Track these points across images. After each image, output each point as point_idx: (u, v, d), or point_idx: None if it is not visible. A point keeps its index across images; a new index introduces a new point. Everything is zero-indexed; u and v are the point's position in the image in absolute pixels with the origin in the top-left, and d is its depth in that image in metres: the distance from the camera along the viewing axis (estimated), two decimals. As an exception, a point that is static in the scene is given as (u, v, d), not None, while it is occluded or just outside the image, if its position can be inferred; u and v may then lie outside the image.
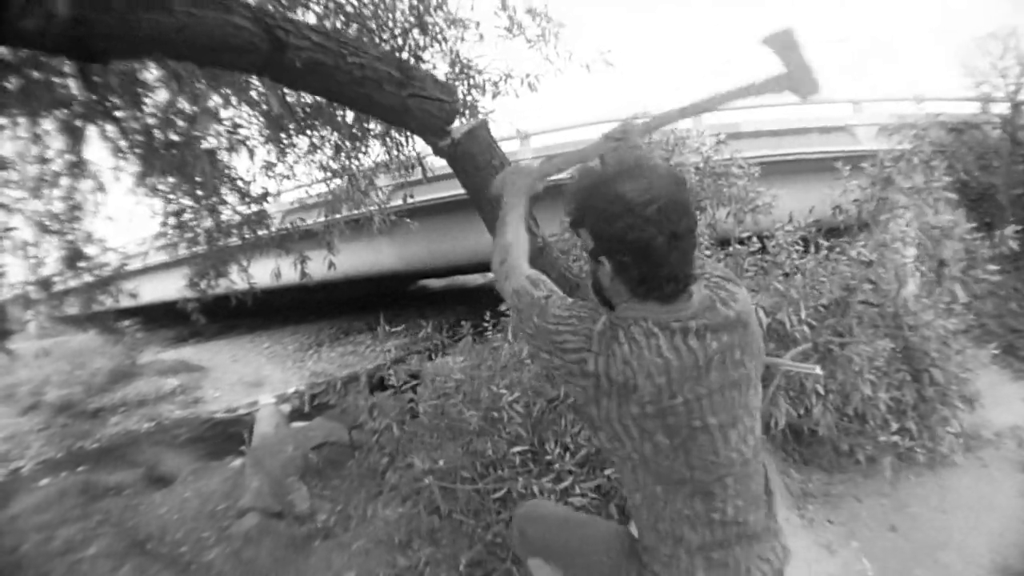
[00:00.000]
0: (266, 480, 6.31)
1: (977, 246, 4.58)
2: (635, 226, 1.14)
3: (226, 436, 9.57)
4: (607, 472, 3.19)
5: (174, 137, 4.15)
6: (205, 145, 4.29)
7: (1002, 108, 8.73)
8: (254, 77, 4.30)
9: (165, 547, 5.91)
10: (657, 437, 1.19)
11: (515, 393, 3.35)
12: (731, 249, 4.33)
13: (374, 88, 2.47)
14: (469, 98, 4.36)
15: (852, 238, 4.45)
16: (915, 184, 4.51)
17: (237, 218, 4.96)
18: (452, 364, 3.70)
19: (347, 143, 4.89)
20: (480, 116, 3.36)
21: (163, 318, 15.42)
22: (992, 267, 4.65)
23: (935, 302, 4.29)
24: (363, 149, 4.97)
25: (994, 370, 5.24)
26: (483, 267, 14.38)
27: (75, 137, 4.07)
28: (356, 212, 5.43)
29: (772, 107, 11.55)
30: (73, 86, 3.59)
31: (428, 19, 3.94)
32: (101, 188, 4.55)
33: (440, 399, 3.77)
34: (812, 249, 4.26)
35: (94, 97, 3.60)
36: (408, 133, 4.50)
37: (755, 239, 4.31)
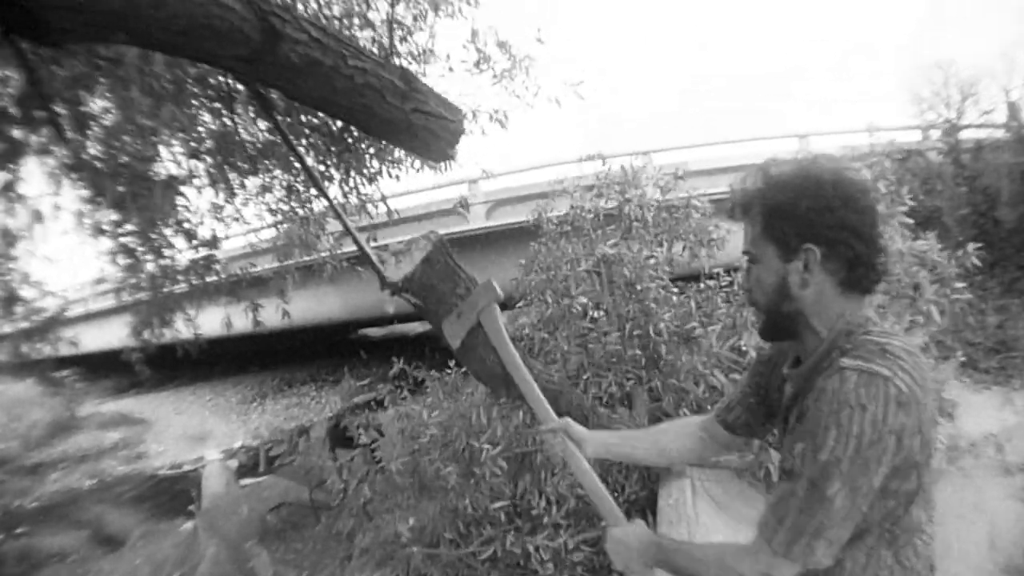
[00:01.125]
0: (222, 545, 5.87)
1: (946, 267, 4.63)
2: (850, 200, 1.06)
3: (173, 494, 9.00)
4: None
5: (123, 160, 3.85)
6: (155, 176, 4.02)
7: (942, 134, 9.16)
8: (207, 113, 4.06)
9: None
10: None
11: (498, 447, 3.12)
12: (701, 285, 4.25)
13: (375, 99, 2.12)
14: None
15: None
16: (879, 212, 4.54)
17: (184, 262, 4.67)
18: (426, 417, 3.44)
19: (300, 185, 4.66)
20: (430, 234, 2.88)
21: (102, 367, 14.69)
22: (959, 285, 4.70)
23: (903, 321, 4.30)
24: (317, 193, 4.75)
25: (958, 383, 5.35)
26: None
27: (13, 154, 3.68)
28: (307, 259, 5.18)
29: (718, 145, 11.89)
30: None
31: (394, 51, 3.75)
32: (39, 219, 4.20)
33: (413, 455, 3.52)
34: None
35: (39, 111, 3.20)
36: (366, 173, 4.28)
37: (723, 273, 4.23)
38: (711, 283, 4.19)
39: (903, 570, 1.09)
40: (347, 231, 2.79)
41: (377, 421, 3.86)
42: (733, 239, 4.94)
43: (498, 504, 3.14)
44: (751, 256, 1.16)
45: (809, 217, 1.07)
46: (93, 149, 3.85)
